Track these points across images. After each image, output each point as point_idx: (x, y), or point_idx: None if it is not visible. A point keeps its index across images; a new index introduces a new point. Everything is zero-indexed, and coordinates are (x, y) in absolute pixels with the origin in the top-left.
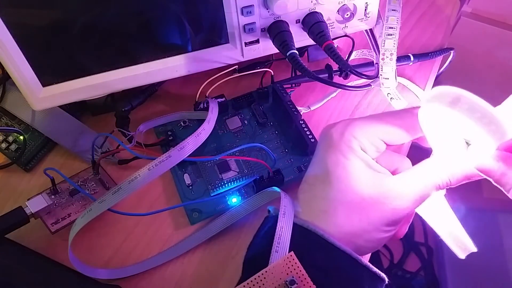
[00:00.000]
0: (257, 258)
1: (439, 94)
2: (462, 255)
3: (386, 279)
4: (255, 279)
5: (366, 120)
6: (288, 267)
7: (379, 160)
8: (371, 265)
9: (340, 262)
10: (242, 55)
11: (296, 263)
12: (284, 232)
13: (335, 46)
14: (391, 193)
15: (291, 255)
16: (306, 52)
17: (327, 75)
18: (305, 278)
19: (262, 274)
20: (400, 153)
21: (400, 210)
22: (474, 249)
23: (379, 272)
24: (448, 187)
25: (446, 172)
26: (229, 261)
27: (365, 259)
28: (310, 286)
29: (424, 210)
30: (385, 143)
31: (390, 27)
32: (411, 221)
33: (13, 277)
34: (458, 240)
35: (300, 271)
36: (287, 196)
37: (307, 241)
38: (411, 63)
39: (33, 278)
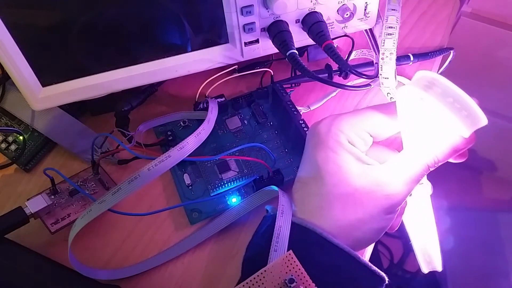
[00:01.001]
0: (256, 257)
1: (416, 79)
2: (425, 269)
3: (386, 279)
4: (254, 278)
5: (352, 114)
6: (287, 266)
7: (369, 155)
8: (370, 264)
9: (339, 260)
10: (242, 55)
11: (295, 261)
12: (282, 231)
13: (335, 46)
14: (382, 180)
15: (290, 254)
16: (305, 52)
17: (326, 75)
18: (304, 277)
19: (262, 273)
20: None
21: (394, 196)
22: (439, 268)
23: (378, 271)
24: (438, 165)
25: (432, 150)
26: (229, 261)
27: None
28: (309, 285)
29: (405, 214)
30: (372, 136)
31: (389, 27)
32: (403, 213)
33: (13, 277)
34: (426, 253)
35: (299, 269)
36: (285, 195)
37: (305, 240)
38: (411, 63)
39: (33, 278)
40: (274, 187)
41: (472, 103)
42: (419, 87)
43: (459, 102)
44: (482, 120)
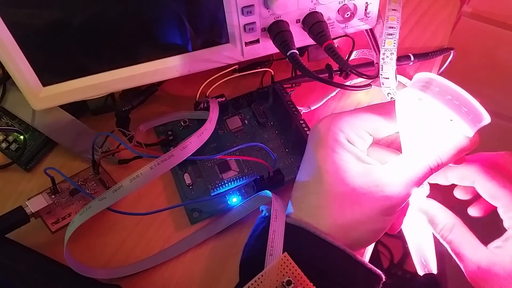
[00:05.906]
0: (253, 260)
1: (413, 81)
2: (420, 271)
3: (383, 277)
4: (252, 284)
5: (351, 113)
6: (284, 268)
7: (370, 154)
8: (366, 261)
9: (334, 258)
10: (242, 54)
11: (291, 263)
12: (277, 235)
13: (335, 46)
14: (382, 181)
15: (285, 256)
16: (306, 51)
17: (327, 74)
18: (302, 277)
19: (259, 278)
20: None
21: (393, 197)
22: (434, 270)
23: (375, 268)
24: (441, 167)
25: (434, 151)
26: (229, 260)
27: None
28: (307, 285)
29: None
30: (371, 135)
31: (390, 27)
32: (405, 215)
33: (13, 277)
34: (422, 256)
35: (296, 270)
36: (279, 200)
37: (300, 240)
38: (411, 63)
39: (33, 278)
40: (268, 192)
41: (471, 99)
42: (417, 88)
43: (457, 99)
44: (484, 115)
